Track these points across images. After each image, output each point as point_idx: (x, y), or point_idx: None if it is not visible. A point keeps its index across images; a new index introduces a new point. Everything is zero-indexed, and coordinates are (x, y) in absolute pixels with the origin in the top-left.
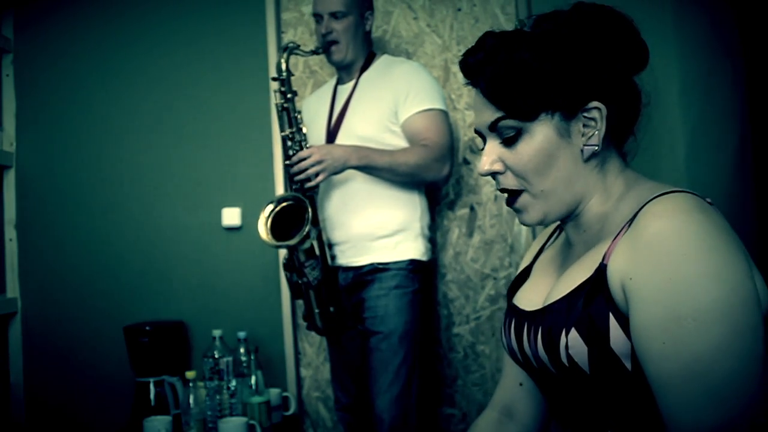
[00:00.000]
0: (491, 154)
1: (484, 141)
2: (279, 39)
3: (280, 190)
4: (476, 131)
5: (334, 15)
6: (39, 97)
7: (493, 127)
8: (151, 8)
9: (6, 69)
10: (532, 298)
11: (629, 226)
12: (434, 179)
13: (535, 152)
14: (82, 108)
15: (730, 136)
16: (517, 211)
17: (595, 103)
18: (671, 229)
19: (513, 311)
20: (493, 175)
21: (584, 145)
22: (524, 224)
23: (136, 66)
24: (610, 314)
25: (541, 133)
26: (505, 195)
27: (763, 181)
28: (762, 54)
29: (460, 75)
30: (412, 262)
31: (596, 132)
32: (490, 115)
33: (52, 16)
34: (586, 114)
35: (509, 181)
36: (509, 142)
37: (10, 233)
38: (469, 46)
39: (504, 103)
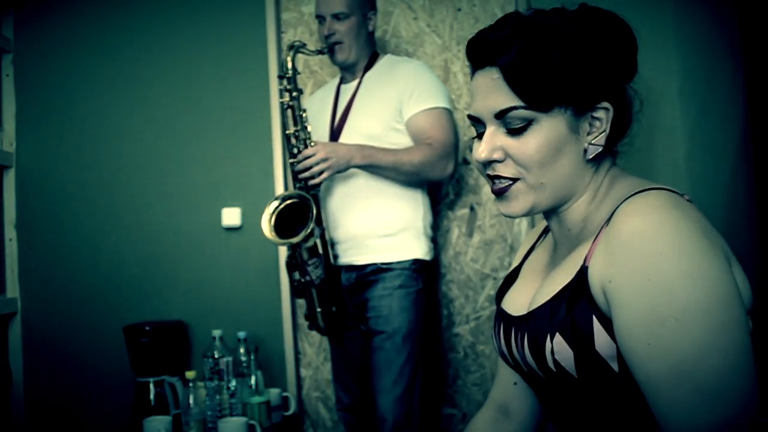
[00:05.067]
0: (493, 142)
1: (482, 126)
2: (279, 39)
3: (280, 189)
4: (472, 117)
5: (336, 16)
6: (39, 97)
7: (501, 115)
8: (152, 8)
9: (6, 69)
10: (519, 301)
11: (607, 225)
12: (438, 178)
13: (545, 144)
14: (82, 108)
15: (730, 136)
16: (504, 199)
17: (605, 104)
18: (645, 228)
19: (501, 315)
20: (488, 162)
21: (590, 144)
22: (508, 215)
23: (136, 66)
24: (594, 317)
25: (552, 126)
26: (495, 183)
27: (763, 181)
28: (762, 54)
29: (460, 75)
30: (416, 261)
31: (603, 132)
32: (503, 101)
33: (52, 16)
34: (593, 113)
35: (508, 170)
36: (515, 132)
37: (10, 233)
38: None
39: (525, 89)
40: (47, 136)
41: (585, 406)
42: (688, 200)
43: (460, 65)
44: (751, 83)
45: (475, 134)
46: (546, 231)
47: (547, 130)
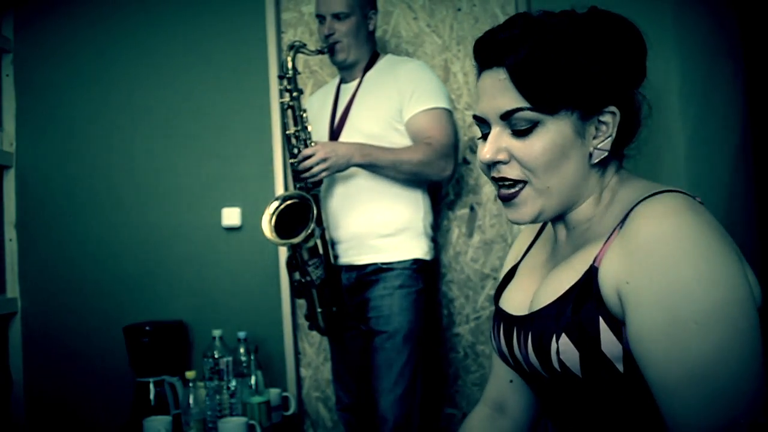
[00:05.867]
0: (497, 143)
1: (487, 127)
2: (279, 39)
3: (280, 190)
4: (477, 117)
5: (336, 16)
6: (39, 97)
7: (507, 116)
8: (152, 8)
9: (6, 69)
10: (518, 300)
11: (620, 228)
12: (438, 178)
13: (550, 147)
14: (82, 108)
15: (730, 136)
16: (512, 206)
17: (612, 108)
18: (665, 231)
19: (500, 315)
20: (493, 164)
21: (595, 148)
22: (515, 222)
23: (136, 66)
24: (600, 318)
25: (557, 129)
26: (502, 188)
27: (763, 181)
28: (762, 54)
29: (460, 75)
30: (416, 261)
31: (609, 137)
32: (509, 102)
33: (52, 16)
34: (600, 117)
35: (513, 171)
36: (521, 133)
37: (10, 233)
38: (469, 46)
39: (531, 91)
40: (47, 136)
41: (588, 407)
42: (700, 202)
43: (460, 65)
44: (751, 84)
45: (479, 135)
46: (542, 229)
47: (553, 132)
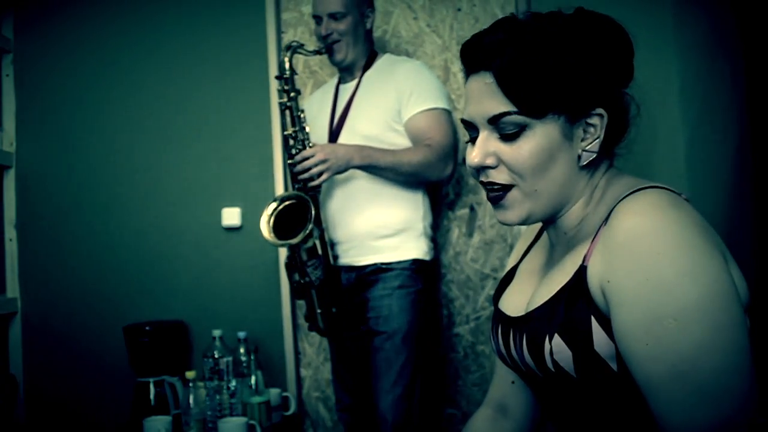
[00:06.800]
0: (485, 147)
1: (475, 131)
2: (279, 39)
3: (280, 190)
4: (465, 121)
5: (333, 16)
6: (39, 97)
7: (494, 121)
8: (152, 8)
9: (6, 69)
10: (516, 302)
11: (605, 225)
12: (437, 179)
13: (538, 151)
14: (82, 108)
15: (730, 136)
16: (500, 208)
17: (599, 110)
18: (644, 227)
19: (499, 316)
20: (481, 168)
21: (583, 150)
22: (504, 223)
23: (136, 66)
24: (592, 317)
25: (545, 133)
26: (490, 191)
27: (763, 181)
28: (762, 54)
29: (460, 75)
30: (416, 261)
31: (597, 139)
32: (496, 106)
33: (52, 16)
34: (588, 120)
35: (502, 176)
36: (508, 138)
37: (10, 233)
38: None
39: (518, 95)
40: (47, 136)
41: (584, 406)
42: (685, 199)
43: (459, 65)
44: (751, 84)
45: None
46: (542, 231)
47: (540, 136)
